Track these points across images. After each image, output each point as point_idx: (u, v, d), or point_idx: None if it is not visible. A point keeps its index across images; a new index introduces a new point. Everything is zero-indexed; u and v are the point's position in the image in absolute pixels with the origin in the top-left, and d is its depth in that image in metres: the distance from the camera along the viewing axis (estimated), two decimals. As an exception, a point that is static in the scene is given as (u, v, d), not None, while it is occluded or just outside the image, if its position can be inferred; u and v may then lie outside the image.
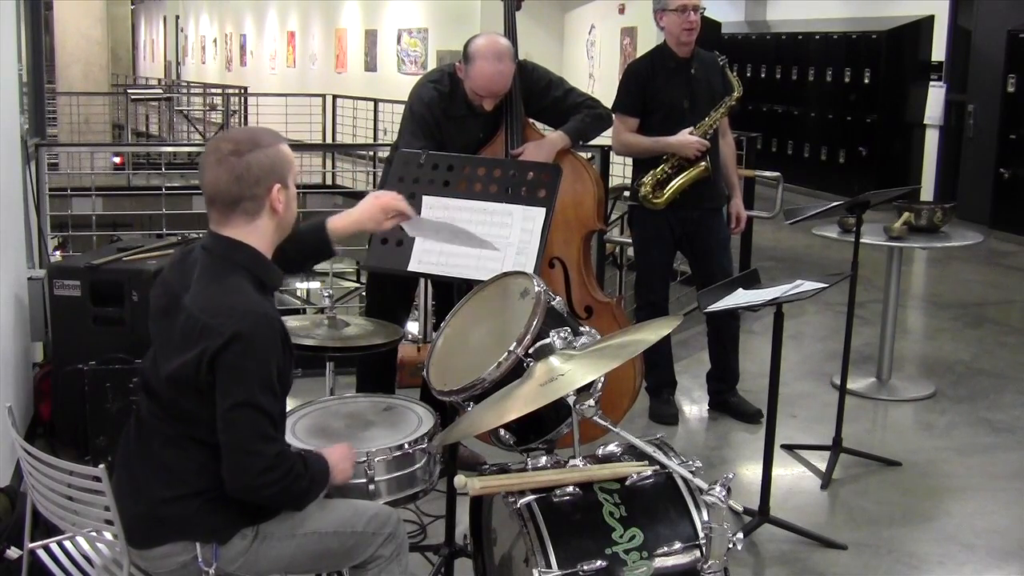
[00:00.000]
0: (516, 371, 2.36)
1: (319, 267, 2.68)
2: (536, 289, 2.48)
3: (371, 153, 11.00)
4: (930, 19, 10.44)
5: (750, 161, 6.83)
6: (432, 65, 14.33)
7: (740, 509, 3.41)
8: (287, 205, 2.26)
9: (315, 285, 10.30)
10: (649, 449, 2.31)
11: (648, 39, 8.97)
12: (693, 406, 4.89)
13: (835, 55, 11.45)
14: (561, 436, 2.48)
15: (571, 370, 2.24)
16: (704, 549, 2.18)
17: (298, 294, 10.59)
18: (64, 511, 2.32)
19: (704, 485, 2.15)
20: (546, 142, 3.86)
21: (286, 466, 2.15)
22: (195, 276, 2.20)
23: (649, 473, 2.29)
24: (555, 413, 2.41)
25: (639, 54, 5.46)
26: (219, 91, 18.06)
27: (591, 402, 2.34)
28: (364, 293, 4.69)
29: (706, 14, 4.42)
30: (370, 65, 17.59)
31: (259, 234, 2.24)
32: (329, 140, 15.56)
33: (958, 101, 10.12)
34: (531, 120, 3.97)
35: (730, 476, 2.17)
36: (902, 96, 10.70)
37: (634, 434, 2.34)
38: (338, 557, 2.35)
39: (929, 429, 4.67)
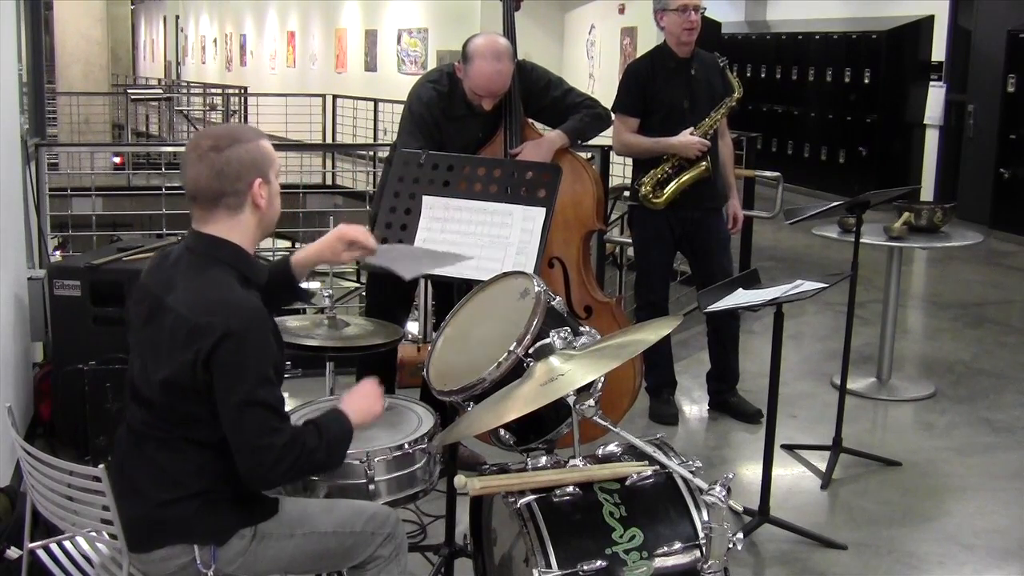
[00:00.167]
0: (516, 371, 2.36)
1: (319, 267, 2.66)
2: (536, 289, 2.48)
3: (371, 153, 11.00)
4: (930, 19, 10.44)
5: (750, 161, 6.83)
6: (432, 65, 14.33)
7: (740, 509, 3.41)
8: (269, 201, 2.26)
9: (315, 285, 10.29)
10: (649, 449, 2.31)
11: (648, 39, 8.97)
12: (693, 406, 4.89)
13: (835, 55, 11.45)
14: (561, 436, 2.48)
15: (571, 370, 2.24)
16: (704, 549, 2.18)
17: (298, 294, 10.56)
18: (64, 511, 2.32)
19: (704, 485, 2.15)
20: (545, 141, 3.86)
21: (296, 450, 2.14)
22: (178, 276, 2.19)
23: (649, 473, 2.29)
24: (555, 413, 2.41)
25: (639, 54, 5.46)
26: (219, 91, 18.06)
27: (591, 402, 2.34)
28: (364, 293, 4.70)
29: (706, 14, 4.42)
30: (370, 65, 17.59)
31: (242, 229, 2.23)
32: (329, 140, 15.56)
33: (958, 101, 10.12)
34: (530, 120, 3.97)
35: (730, 476, 2.17)
36: (902, 96, 10.70)
37: (634, 434, 2.34)
38: (337, 557, 2.35)
39: (929, 429, 4.67)
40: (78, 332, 4.04)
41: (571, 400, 2.30)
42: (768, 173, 7.06)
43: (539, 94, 3.96)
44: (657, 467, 2.29)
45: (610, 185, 5.87)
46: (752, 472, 3.96)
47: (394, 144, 4.01)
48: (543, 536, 2.16)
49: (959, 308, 6.87)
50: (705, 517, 2.21)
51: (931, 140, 10.50)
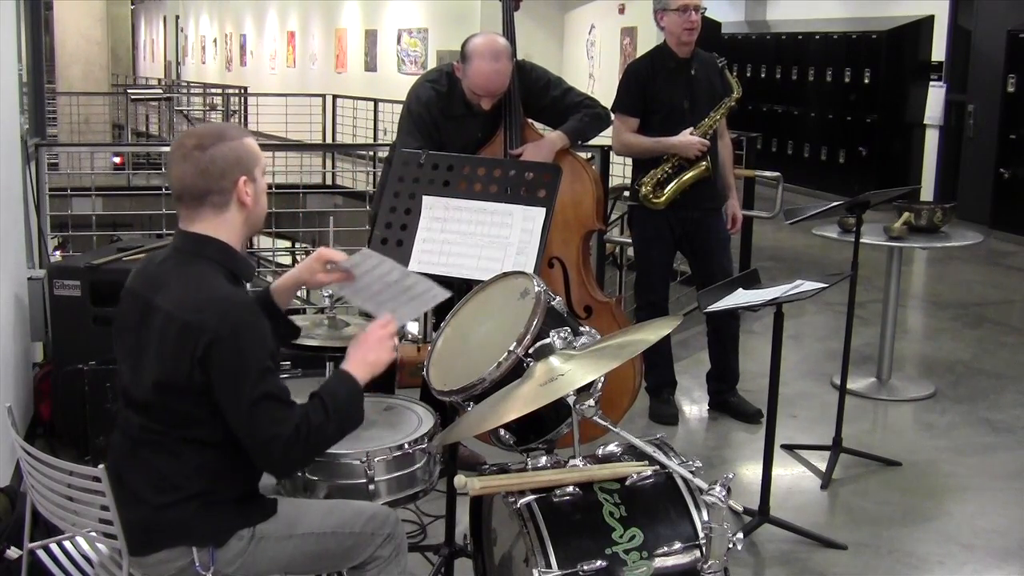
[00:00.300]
0: (516, 371, 2.36)
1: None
2: (536, 289, 2.48)
3: (371, 153, 11.01)
4: (930, 19, 10.44)
5: (750, 161, 6.83)
6: (432, 65, 14.33)
7: (740, 509, 3.40)
8: (255, 198, 2.26)
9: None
10: (649, 449, 2.31)
11: (648, 39, 8.98)
12: (693, 406, 4.89)
13: (835, 55, 11.45)
14: (561, 436, 2.47)
15: (571, 370, 2.24)
16: (704, 549, 2.18)
17: (298, 294, 10.58)
18: (64, 511, 2.32)
19: (704, 485, 2.15)
20: (545, 142, 3.86)
21: (304, 431, 2.14)
22: (167, 275, 2.19)
23: (649, 473, 2.29)
24: (555, 413, 2.41)
25: (639, 54, 5.46)
26: (219, 91, 18.07)
27: (591, 402, 2.33)
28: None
29: (706, 14, 4.42)
30: (370, 65, 17.60)
31: (228, 227, 2.23)
32: (329, 140, 15.57)
33: (958, 101, 10.12)
34: (530, 120, 3.97)
35: (730, 476, 2.17)
36: (902, 96, 10.70)
37: (634, 434, 2.34)
38: (336, 558, 2.35)
39: (929, 429, 4.67)
40: (78, 332, 4.04)
41: (571, 400, 2.30)
42: (768, 173, 7.06)
43: (538, 94, 3.96)
44: (657, 467, 2.29)
45: (610, 185, 5.87)
46: (752, 472, 3.95)
47: (394, 144, 4.01)
48: (543, 536, 2.16)
49: (959, 308, 6.87)
50: (705, 517, 2.21)
51: (931, 140, 10.50)
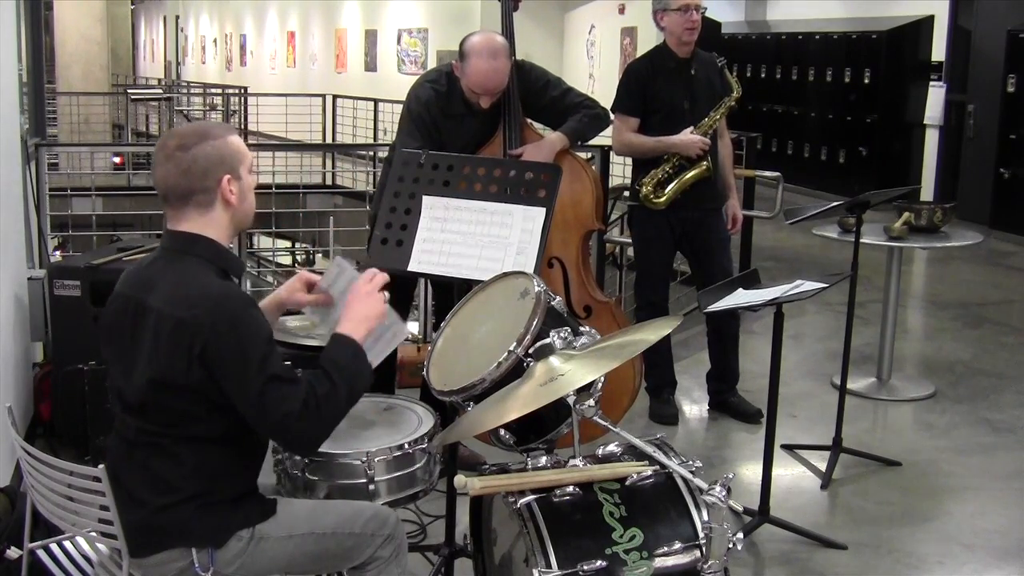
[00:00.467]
0: (516, 371, 2.36)
1: (319, 266, 2.66)
2: (536, 289, 2.48)
3: (371, 153, 11.01)
4: (930, 19, 10.44)
5: (750, 161, 6.83)
6: (432, 65, 14.33)
7: (740, 509, 3.40)
8: (241, 196, 2.25)
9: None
10: (649, 449, 2.31)
11: (648, 39, 8.99)
12: (693, 406, 4.89)
13: (835, 55, 11.45)
14: (561, 436, 2.47)
15: (571, 370, 2.24)
16: (704, 549, 2.18)
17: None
18: (64, 511, 2.32)
19: (704, 485, 2.15)
20: (545, 143, 3.86)
21: (312, 403, 2.14)
22: (156, 276, 2.19)
23: (649, 473, 2.29)
24: (555, 413, 2.41)
25: (639, 54, 5.46)
26: (219, 91, 18.07)
27: (591, 402, 2.34)
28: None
29: (706, 14, 4.42)
30: (370, 65, 17.60)
31: (215, 227, 2.23)
32: (329, 140, 15.57)
33: (958, 101, 10.12)
34: (529, 120, 3.97)
35: (730, 476, 2.17)
36: (902, 96, 10.70)
37: (634, 434, 2.34)
38: (336, 558, 2.35)
39: (929, 429, 4.67)
40: (78, 332, 4.04)
41: (571, 400, 2.30)
42: (768, 173, 7.06)
43: (538, 94, 3.96)
44: (657, 467, 2.29)
45: (610, 185, 5.87)
46: (752, 472, 3.95)
47: (394, 144, 4.01)
48: (543, 536, 2.16)
49: (959, 308, 6.87)
50: (705, 517, 2.21)
51: (931, 140, 10.50)
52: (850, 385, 4.44)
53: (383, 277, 2.41)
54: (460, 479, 2.22)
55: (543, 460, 2.34)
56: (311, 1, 20.19)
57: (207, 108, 18.87)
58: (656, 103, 4.37)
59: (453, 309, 2.72)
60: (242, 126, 16.66)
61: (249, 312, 2.16)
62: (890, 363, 5.15)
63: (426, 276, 3.33)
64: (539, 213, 3.11)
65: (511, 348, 2.37)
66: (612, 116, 4.32)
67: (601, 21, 12.04)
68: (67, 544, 2.79)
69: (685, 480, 2.27)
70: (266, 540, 2.25)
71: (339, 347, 2.27)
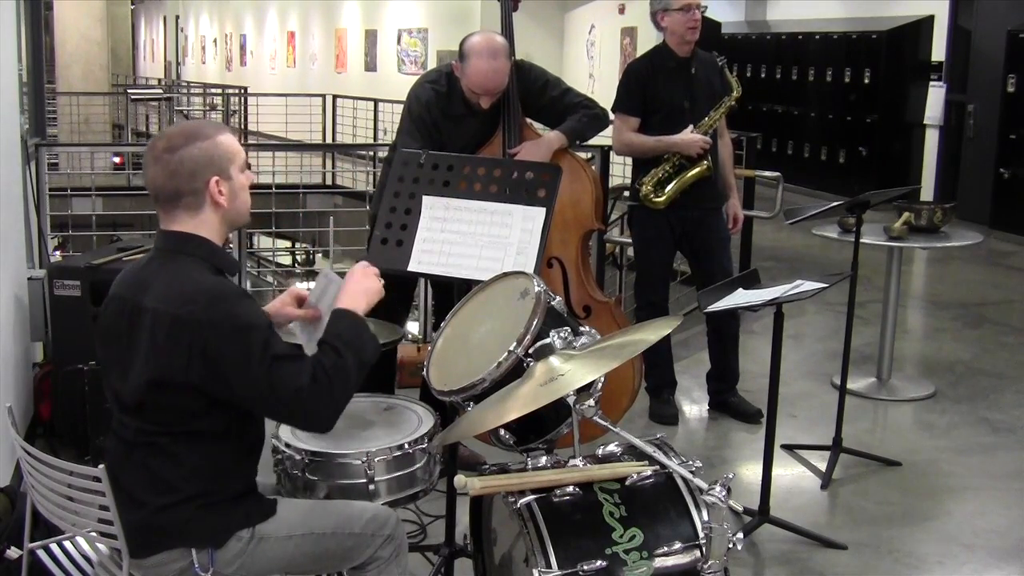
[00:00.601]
0: (516, 371, 2.36)
1: (318, 266, 2.66)
2: (536, 289, 2.48)
3: (371, 153, 11.01)
4: (930, 19, 10.44)
5: (750, 161, 6.82)
6: (432, 65, 14.34)
7: (740, 509, 3.40)
8: (232, 196, 2.24)
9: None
10: (649, 449, 2.31)
11: (648, 39, 8.98)
12: (693, 406, 4.89)
13: (835, 55, 11.45)
14: (561, 436, 2.47)
15: (571, 370, 2.24)
16: (704, 549, 2.18)
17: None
18: (64, 511, 2.32)
19: (704, 485, 2.15)
20: (543, 142, 3.87)
21: (321, 375, 2.15)
22: (151, 276, 2.19)
23: (649, 473, 2.29)
24: (555, 413, 2.41)
25: (639, 54, 5.46)
26: (219, 91, 18.07)
27: (591, 402, 2.33)
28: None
29: (706, 14, 4.42)
30: (370, 65, 17.60)
31: (207, 227, 2.23)
32: (329, 140, 15.57)
33: (958, 101, 10.12)
34: (528, 120, 3.97)
35: (730, 476, 2.17)
36: (902, 96, 10.70)
37: (634, 434, 2.34)
38: (336, 558, 2.35)
39: (929, 429, 4.67)
40: (78, 332, 4.04)
41: (571, 400, 2.30)
42: (768, 173, 7.06)
43: (537, 93, 3.96)
44: (657, 467, 2.29)
45: (610, 185, 5.87)
46: (752, 472, 3.95)
47: (393, 144, 4.01)
48: (543, 536, 2.16)
49: (959, 308, 6.87)
50: (705, 517, 2.21)
51: (931, 140, 10.50)
52: (850, 385, 4.44)
53: (374, 269, 2.43)
54: (460, 479, 2.22)
55: (543, 460, 2.34)
56: (311, 1, 20.19)
57: (207, 108, 18.87)
58: (656, 103, 4.37)
59: (453, 309, 2.72)
60: (242, 126, 16.67)
61: (244, 302, 2.17)
62: (890, 363, 5.15)
63: (426, 276, 3.33)
64: (539, 213, 3.11)
65: (511, 348, 2.36)
66: (612, 116, 4.32)
67: (601, 21, 12.04)
68: (67, 544, 2.79)
69: (685, 480, 2.27)
70: (266, 540, 2.25)
71: (339, 320, 2.28)
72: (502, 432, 2.46)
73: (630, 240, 5.02)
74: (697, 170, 4.32)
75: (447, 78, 3.86)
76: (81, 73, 16.69)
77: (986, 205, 9.25)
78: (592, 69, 12.23)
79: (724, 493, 2.10)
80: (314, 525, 2.30)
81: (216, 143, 2.21)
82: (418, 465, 2.62)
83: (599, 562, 2.14)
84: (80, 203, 6.87)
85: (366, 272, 2.41)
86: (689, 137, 4.29)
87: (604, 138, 4.46)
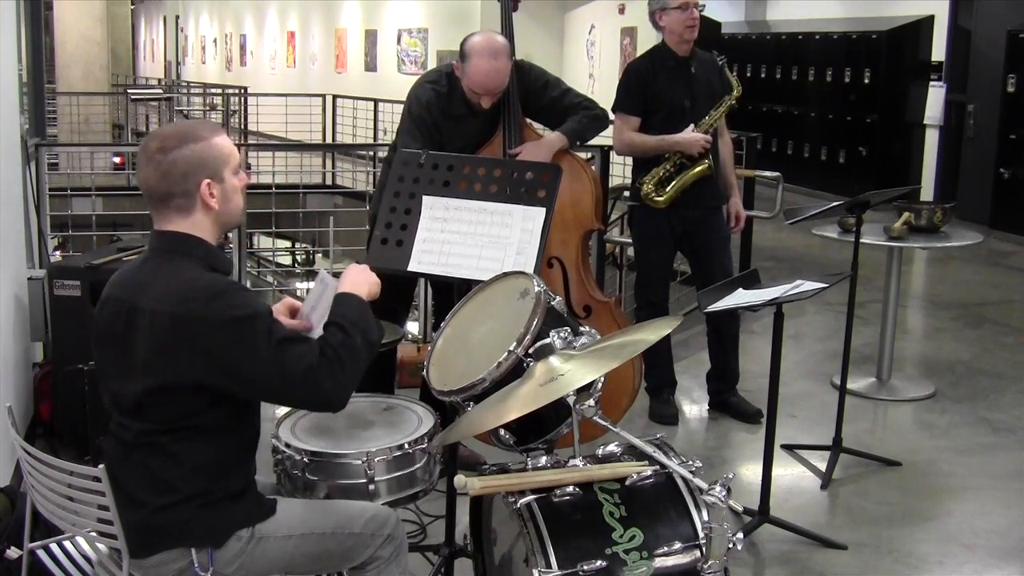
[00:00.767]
0: (516, 371, 2.36)
1: (318, 266, 2.67)
2: (536, 289, 2.48)
3: (371, 153, 11.01)
4: (930, 19, 10.44)
5: (750, 161, 6.82)
6: (432, 65, 14.34)
7: (740, 509, 3.40)
8: (223, 199, 2.23)
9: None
10: (649, 449, 2.31)
11: (648, 39, 8.98)
12: (693, 406, 4.89)
13: (835, 55, 11.45)
14: (561, 436, 2.47)
15: (571, 370, 2.24)
16: (704, 549, 2.18)
17: (298, 294, 10.61)
18: (64, 511, 2.32)
19: (704, 485, 2.15)
20: (544, 142, 3.87)
21: (330, 352, 2.16)
22: (147, 277, 2.18)
23: (649, 473, 2.29)
24: (555, 413, 2.41)
25: (639, 54, 5.47)
26: (219, 91, 18.07)
27: (591, 402, 2.33)
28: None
29: (706, 14, 4.43)
30: (370, 65, 17.61)
31: (200, 228, 2.22)
32: (329, 140, 15.57)
33: (958, 101, 10.12)
34: (528, 120, 3.97)
35: (730, 476, 2.17)
36: (902, 96, 10.70)
37: (634, 434, 2.34)
38: (336, 558, 2.35)
39: (929, 429, 4.67)
40: (78, 332, 4.03)
41: (571, 400, 2.30)
42: (768, 173, 7.06)
43: (537, 94, 3.96)
44: (657, 467, 2.29)
45: (610, 185, 5.87)
46: (752, 472, 3.96)
47: (393, 144, 4.01)
48: (543, 536, 2.16)
49: (959, 308, 6.87)
50: (705, 517, 2.21)
51: (931, 140, 10.50)
52: (850, 385, 4.44)
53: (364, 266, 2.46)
54: (460, 479, 2.22)
55: (543, 460, 2.34)
56: (311, 1, 20.20)
57: (207, 108, 18.88)
58: (657, 102, 4.37)
59: (453, 309, 2.72)
60: (242, 126, 16.68)
61: (242, 293, 2.17)
62: (890, 363, 5.15)
63: (426, 276, 3.33)
64: (539, 213, 3.11)
65: (511, 348, 2.37)
66: (612, 116, 4.32)
67: (601, 21, 12.04)
68: (67, 544, 2.79)
69: (685, 480, 2.27)
70: (266, 540, 2.25)
71: (343, 303, 2.30)
72: (502, 432, 2.46)
73: (630, 240, 5.02)
74: (698, 169, 4.33)
75: (447, 78, 3.86)
76: (81, 73, 16.69)
77: (986, 205, 9.25)
78: (592, 69, 12.23)
79: (724, 493, 2.10)
80: (314, 525, 2.30)
81: (210, 145, 2.21)
82: (418, 465, 2.62)
83: (599, 562, 2.14)
84: (80, 203, 6.88)
85: (364, 270, 2.43)
86: (690, 136, 4.29)
87: (604, 138, 4.46)
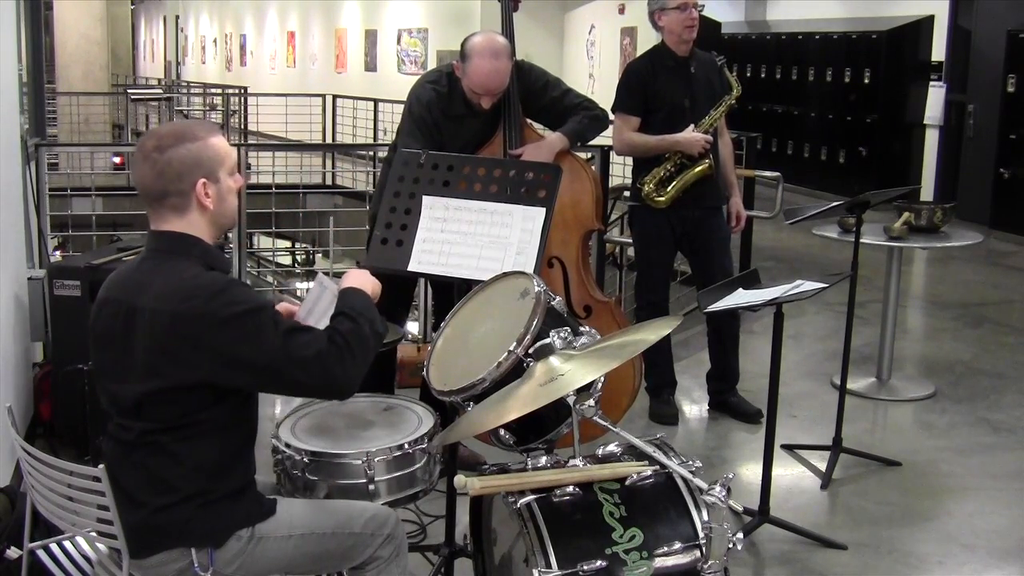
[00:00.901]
0: (516, 371, 2.36)
1: (318, 266, 2.67)
2: (536, 289, 2.48)
3: (371, 153, 11.02)
4: (930, 19, 10.44)
5: (750, 161, 6.83)
6: (432, 65, 14.34)
7: (740, 509, 3.40)
8: (219, 199, 2.23)
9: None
10: (649, 449, 2.31)
11: (648, 39, 8.98)
12: (693, 406, 4.89)
13: (835, 55, 11.45)
14: (561, 436, 2.48)
15: (571, 370, 2.24)
16: (704, 549, 2.18)
17: (298, 295, 10.61)
18: (64, 511, 2.32)
19: (704, 485, 2.15)
20: (545, 143, 3.87)
21: (338, 339, 2.17)
22: (145, 277, 2.18)
23: (649, 473, 2.29)
24: (555, 413, 2.41)
25: (639, 54, 5.47)
26: (219, 91, 18.08)
27: (591, 402, 2.33)
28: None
29: (706, 14, 4.43)
30: (370, 65, 17.61)
31: (196, 228, 2.23)
32: (329, 140, 15.57)
33: (958, 101, 10.12)
34: (529, 120, 3.97)
35: (730, 476, 2.17)
36: (902, 96, 10.70)
37: (634, 434, 2.34)
38: (336, 558, 2.35)
39: (929, 429, 4.67)
40: (78, 332, 4.01)
41: (571, 400, 2.30)
42: (768, 173, 7.06)
43: (537, 94, 3.96)
44: (657, 467, 2.29)
45: (610, 185, 5.87)
46: (752, 472, 3.96)
47: (393, 144, 4.01)
48: (543, 536, 2.16)
49: (959, 308, 6.87)
50: (705, 517, 2.21)
51: (931, 140, 10.50)
52: (850, 385, 4.44)
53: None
54: (460, 479, 2.22)
55: (543, 460, 2.34)
56: (311, 1, 20.20)
57: (207, 108, 18.88)
58: (656, 102, 4.38)
59: (453, 309, 2.72)
60: (242, 126, 16.68)
61: (243, 289, 2.18)
62: (890, 363, 5.15)
63: (426, 276, 3.33)
64: (539, 213, 3.11)
65: (511, 348, 2.37)
66: (612, 116, 4.32)
67: (601, 21, 12.05)
68: (67, 544, 2.79)
69: (685, 480, 2.27)
70: (266, 540, 2.25)
71: (350, 295, 2.32)
72: (502, 432, 2.46)
73: (630, 240, 5.02)
74: (699, 169, 4.33)
75: (448, 78, 3.86)
76: (81, 73, 16.69)
77: (986, 205, 9.25)
78: (592, 69, 12.24)
79: (724, 493, 2.10)
80: (314, 525, 2.30)
81: (206, 145, 2.21)
82: (418, 465, 2.62)
83: (599, 562, 2.14)
84: (80, 203, 6.88)
85: (365, 271, 2.44)
86: (690, 136, 4.29)
87: (604, 138, 4.46)
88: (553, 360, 2.31)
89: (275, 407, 4.44)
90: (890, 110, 10.76)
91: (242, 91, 17.89)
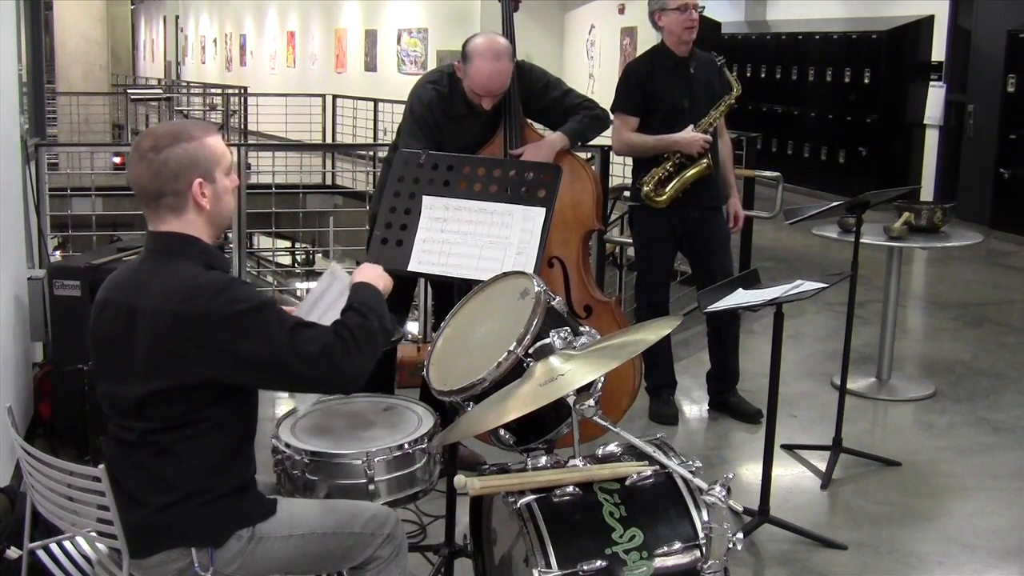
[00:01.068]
0: (516, 371, 2.36)
1: (318, 266, 2.67)
2: (536, 289, 2.48)
3: (371, 153, 11.02)
4: (930, 19, 10.44)
5: (750, 161, 6.82)
6: (432, 65, 14.35)
7: (740, 509, 3.38)
8: (215, 199, 2.23)
9: (315, 285, 10.32)
10: (649, 449, 2.31)
11: (648, 39, 8.99)
12: (693, 406, 4.89)
13: (835, 55, 11.45)
14: (561, 436, 2.48)
15: (571, 370, 2.24)
16: (704, 549, 2.18)
17: (298, 295, 10.61)
18: (64, 511, 2.32)
19: (704, 485, 2.15)
20: (545, 143, 3.87)
21: (345, 333, 2.18)
22: (144, 278, 2.18)
23: (649, 473, 2.29)
24: (555, 413, 2.41)
25: (639, 54, 5.47)
26: (219, 91, 18.08)
27: (591, 402, 2.33)
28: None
29: (706, 14, 4.43)
30: (370, 65, 17.61)
31: (193, 228, 2.22)
32: (329, 140, 15.57)
33: (958, 101, 10.12)
34: (529, 120, 3.98)
35: (730, 476, 2.17)
36: (902, 96, 10.70)
37: (634, 434, 2.34)
38: (336, 558, 2.35)
39: (929, 429, 4.67)
40: (78, 332, 3.99)
41: (571, 400, 2.30)
42: (768, 173, 7.06)
43: (538, 94, 3.96)
44: (657, 467, 2.29)
45: (610, 185, 5.87)
46: (752, 472, 3.95)
47: (393, 144, 4.01)
48: (543, 536, 2.16)
49: (959, 308, 6.87)
50: (705, 517, 2.21)
51: (931, 140, 10.50)
52: (850, 385, 4.44)
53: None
54: (460, 479, 2.22)
55: (543, 460, 2.34)
56: (311, 1, 20.20)
57: (207, 108, 18.87)
58: (656, 102, 4.38)
59: (453, 309, 2.72)
60: (242, 126, 16.68)
61: (245, 287, 2.18)
62: (890, 363, 5.15)
63: (426, 276, 3.33)
64: (539, 213, 3.11)
65: (511, 348, 2.37)
66: (612, 117, 4.32)
67: (601, 21, 12.05)
68: (67, 544, 2.79)
69: (685, 480, 2.27)
70: (266, 540, 2.25)
71: (361, 290, 2.33)
72: (502, 432, 2.46)
73: (630, 240, 5.02)
74: (698, 168, 4.32)
75: (448, 78, 3.86)
76: (81, 73, 16.69)
77: (986, 205, 9.25)
78: (592, 69, 12.24)
79: (724, 493, 2.10)
80: (314, 525, 2.30)
81: (202, 145, 2.20)
82: (418, 465, 2.62)
83: (599, 562, 2.14)
84: (80, 203, 6.88)
85: (377, 266, 2.46)
86: (690, 135, 4.29)
87: (604, 138, 4.46)
88: (553, 360, 2.31)
89: (275, 407, 4.44)
90: (890, 110, 10.77)
91: (242, 91, 17.89)
